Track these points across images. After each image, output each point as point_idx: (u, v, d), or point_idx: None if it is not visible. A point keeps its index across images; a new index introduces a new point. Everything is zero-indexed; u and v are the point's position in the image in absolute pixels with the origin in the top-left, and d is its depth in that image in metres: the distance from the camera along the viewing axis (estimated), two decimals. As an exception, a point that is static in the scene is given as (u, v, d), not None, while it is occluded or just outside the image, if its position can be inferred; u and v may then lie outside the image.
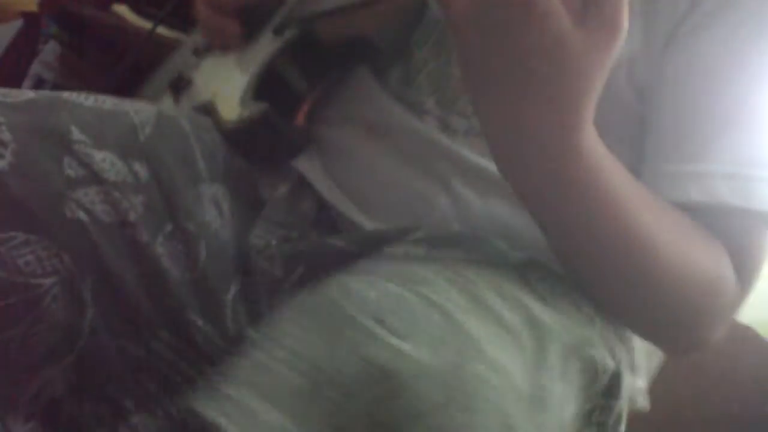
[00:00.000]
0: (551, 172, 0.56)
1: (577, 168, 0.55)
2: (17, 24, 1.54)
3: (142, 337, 0.66)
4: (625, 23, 0.52)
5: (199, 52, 0.92)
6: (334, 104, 0.79)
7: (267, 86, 0.78)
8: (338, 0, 0.76)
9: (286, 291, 0.71)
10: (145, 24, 1.37)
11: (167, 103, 0.89)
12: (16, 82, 1.46)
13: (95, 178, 0.66)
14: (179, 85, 0.89)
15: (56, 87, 1.47)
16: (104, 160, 0.66)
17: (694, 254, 0.62)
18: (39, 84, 1.47)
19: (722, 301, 0.64)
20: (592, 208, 0.58)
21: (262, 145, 0.77)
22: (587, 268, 0.61)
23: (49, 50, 1.46)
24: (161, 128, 0.71)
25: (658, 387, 0.76)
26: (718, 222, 0.65)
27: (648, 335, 0.67)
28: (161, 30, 1.08)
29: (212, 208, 0.71)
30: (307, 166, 0.77)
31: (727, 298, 0.64)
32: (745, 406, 1.20)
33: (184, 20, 0.99)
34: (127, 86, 1.01)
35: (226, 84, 0.80)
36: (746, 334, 1.24)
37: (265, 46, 0.81)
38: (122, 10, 1.43)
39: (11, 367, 0.62)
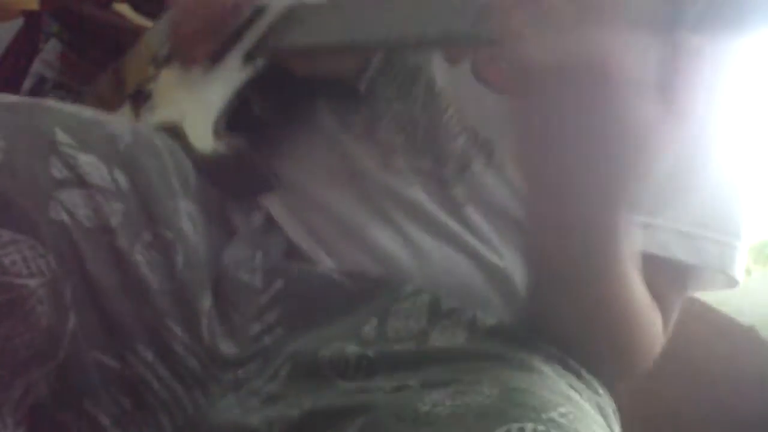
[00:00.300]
0: (588, 246, 0.57)
1: (611, 249, 0.57)
2: (18, 22, 1.55)
3: (117, 348, 0.65)
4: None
5: (158, 63, 0.88)
6: (299, 140, 0.78)
7: (236, 116, 0.77)
8: (313, 39, 0.75)
9: (264, 305, 0.70)
10: (146, 22, 1.37)
11: (127, 114, 0.87)
12: (17, 81, 1.46)
13: (79, 180, 0.65)
14: (139, 99, 0.85)
15: (57, 85, 1.47)
16: (88, 163, 0.66)
17: (651, 328, 0.68)
18: (40, 82, 1.47)
19: (651, 357, 0.70)
20: (608, 289, 0.61)
21: (234, 180, 0.76)
22: (570, 331, 0.64)
23: (51, 48, 1.47)
24: (138, 140, 0.71)
25: (657, 387, 0.76)
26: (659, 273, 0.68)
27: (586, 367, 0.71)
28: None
29: (188, 221, 0.70)
30: (272, 202, 0.76)
31: (653, 354, 0.70)
32: (745, 406, 1.21)
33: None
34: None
35: (194, 107, 0.79)
36: (746, 334, 1.25)
37: (235, 72, 0.79)
38: (123, 8, 1.43)
39: (-5, 366, 0.60)
